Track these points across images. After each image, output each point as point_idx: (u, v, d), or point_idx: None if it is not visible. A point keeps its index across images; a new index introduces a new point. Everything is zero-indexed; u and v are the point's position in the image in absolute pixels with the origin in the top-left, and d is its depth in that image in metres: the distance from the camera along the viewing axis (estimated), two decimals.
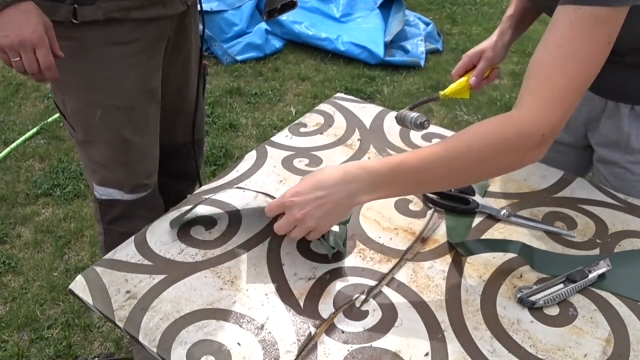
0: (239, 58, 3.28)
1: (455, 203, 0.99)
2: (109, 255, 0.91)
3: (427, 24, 3.65)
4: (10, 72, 3.06)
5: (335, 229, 0.89)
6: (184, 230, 0.94)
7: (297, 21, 3.41)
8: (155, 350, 0.76)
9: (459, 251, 0.90)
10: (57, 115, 2.65)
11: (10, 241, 2.06)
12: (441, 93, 1.06)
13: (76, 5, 1.12)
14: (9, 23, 1.02)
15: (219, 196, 1.01)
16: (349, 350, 0.75)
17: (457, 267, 0.88)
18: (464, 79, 1.08)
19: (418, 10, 3.97)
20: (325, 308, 0.80)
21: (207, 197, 1.01)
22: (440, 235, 0.94)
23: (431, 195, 1.00)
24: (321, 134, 1.20)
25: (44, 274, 1.93)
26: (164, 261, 0.89)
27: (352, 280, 0.85)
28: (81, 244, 2.05)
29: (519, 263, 0.88)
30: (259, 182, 1.05)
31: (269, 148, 1.15)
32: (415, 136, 1.18)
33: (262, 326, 0.78)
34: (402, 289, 0.84)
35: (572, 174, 1.08)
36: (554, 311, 0.81)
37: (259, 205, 0.99)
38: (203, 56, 1.50)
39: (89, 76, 1.22)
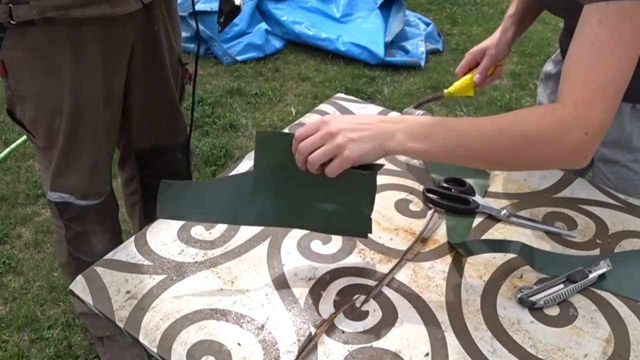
0: (239, 58, 3.29)
1: (455, 203, 0.99)
2: (109, 255, 0.91)
3: (427, 24, 3.65)
4: None
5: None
6: (184, 230, 0.94)
7: (297, 21, 3.41)
8: (155, 350, 0.76)
9: (459, 251, 0.90)
10: None
11: (10, 241, 2.07)
12: (445, 91, 1.06)
13: (11, 5, 1.10)
14: None
15: None
16: (349, 350, 0.75)
17: (457, 267, 0.88)
18: (467, 77, 1.08)
19: (418, 10, 3.97)
20: (325, 308, 0.80)
21: None
22: (440, 235, 0.94)
23: (431, 195, 1.00)
24: None
25: (44, 274, 1.93)
26: (163, 261, 0.89)
27: (352, 280, 0.85)
28: None
29: (519, 263, 0.88)
30: None
31: None
32: None
33: (262, 326, 0.78)
34: (402, 289, 0.84)
35: (572, 174, 1.08)
36: (554, 311, 0.81)
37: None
38: (183, 62, 1.46)
39: (43, 85, 1.21)
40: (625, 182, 1.06)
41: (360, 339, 0.77)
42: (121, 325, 0.80)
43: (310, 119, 1.24)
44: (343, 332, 0.78)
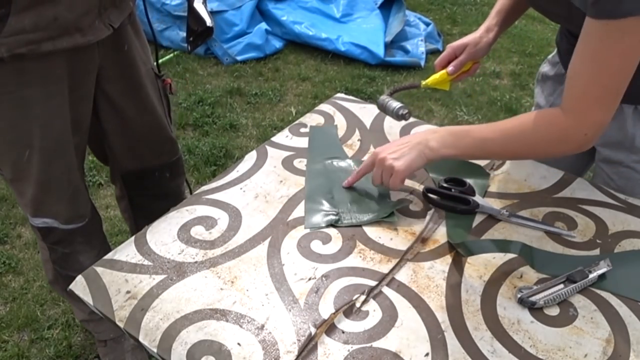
0: (239, 58, 3.29)
1: (455, 203, 0.99)
2: (109, 255, 0.91)
3: (427, 24, 3.65)
4: None
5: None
6: (184, 230, 0.94)
7: (297, 21, 3.41)
8: (155, 350, 0.76)
9: (459, 251, 0.90)
10: None
11: (10, 241, 2.06)
12: (422, 82, 1.07)
13: None
14: None
15: (219, 196, 1.01)
16: (349, 350, 0.75)
17: (457, 267, 0.88)
18: (444, 71, 1.09)
19: (418, 10, 3.97)
20: (325, 308, 0.80)
21: (207, 197, 1.01)
22: (440, 235, 0.94)
23: (431, 195, 1.00)
24: None
25: (44, 274, 1.92)
26: (163, 261, 0.89)
27: (352, 280, 0.85)
28: None
29: (519, 263, 0.88)
30: (259, 182, 1.05)
31: (269, 148, 1.15)
32: None
33: (262, 326, 0.78)
34: (402, 289, 0.84)
35: (571, 174, 1.08)
36: (554, 311, 0.81)
37: (259, 205, 0.99)
38: (159, 75, 1.42)
39: (12, 120, 1.16)
40: (629, 182, 1.06)
41: (360, 339, 0.77)
42: (121, 325, 0.80)
43: (310, 118, 1.24)
44: (343, 332, 0.78)
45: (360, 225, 0.95)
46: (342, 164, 1.09)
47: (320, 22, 3.51)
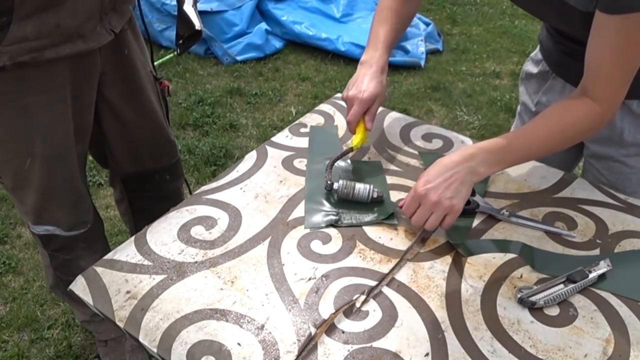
0: (239, 58, 3.29)
1: None
2: (109, 255, 0.91)
3: (427, 24, 3.65)
4: None
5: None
6: (184, 230, 0.94)
7: (297, 21, 3.41)
8: (155, 350, 0.76)
9: (459, 251, 0.90)
10: None
11: (10, 241, 2.07)
12: (352, 145, 1.05)
13: None
14: None
15: (219, 196, 1.01)
16: (349, 350, 0.75)
17: (457, 267, 0.88)
18: (362, 127, 1.05)
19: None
20: (325, 308, 0.80)
21: (207, 197, 1.01)
22: (440, 235, 0.94)
23: None
24: None
25: (44, 274, 1.93)
26: (163, 261, 0.89)
27: (352, 280, 0.85)
28: None
29: (519, 263, 0.88)
30: (259, 182, 1.05)
31: (269, 148, 1.15)
32: (415, 136, 1.18)
33: (262, 326, 0.78)
34: (402, 289, 0.84)
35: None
36: (554, 311, 0.81)
37: (259, 205, 0.99)
38: (157, 77, 1.42)
39: (14, 128, 1.16)
40: (619, 176, 1.08)
41: (360, 339, 0.77)
42: (121, 325, 0.80)
43: (310, 118, 1.24)
44: (343, 332, 0.78)
45: (360, 225, 0.95)
46: (342, 164, 1.09)
47: (320, 22, 3.51)
